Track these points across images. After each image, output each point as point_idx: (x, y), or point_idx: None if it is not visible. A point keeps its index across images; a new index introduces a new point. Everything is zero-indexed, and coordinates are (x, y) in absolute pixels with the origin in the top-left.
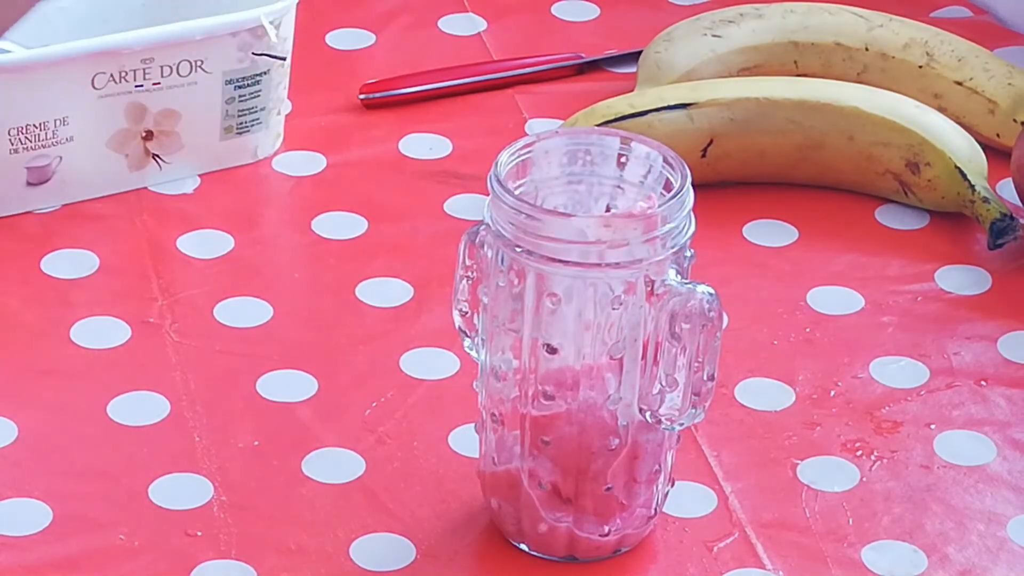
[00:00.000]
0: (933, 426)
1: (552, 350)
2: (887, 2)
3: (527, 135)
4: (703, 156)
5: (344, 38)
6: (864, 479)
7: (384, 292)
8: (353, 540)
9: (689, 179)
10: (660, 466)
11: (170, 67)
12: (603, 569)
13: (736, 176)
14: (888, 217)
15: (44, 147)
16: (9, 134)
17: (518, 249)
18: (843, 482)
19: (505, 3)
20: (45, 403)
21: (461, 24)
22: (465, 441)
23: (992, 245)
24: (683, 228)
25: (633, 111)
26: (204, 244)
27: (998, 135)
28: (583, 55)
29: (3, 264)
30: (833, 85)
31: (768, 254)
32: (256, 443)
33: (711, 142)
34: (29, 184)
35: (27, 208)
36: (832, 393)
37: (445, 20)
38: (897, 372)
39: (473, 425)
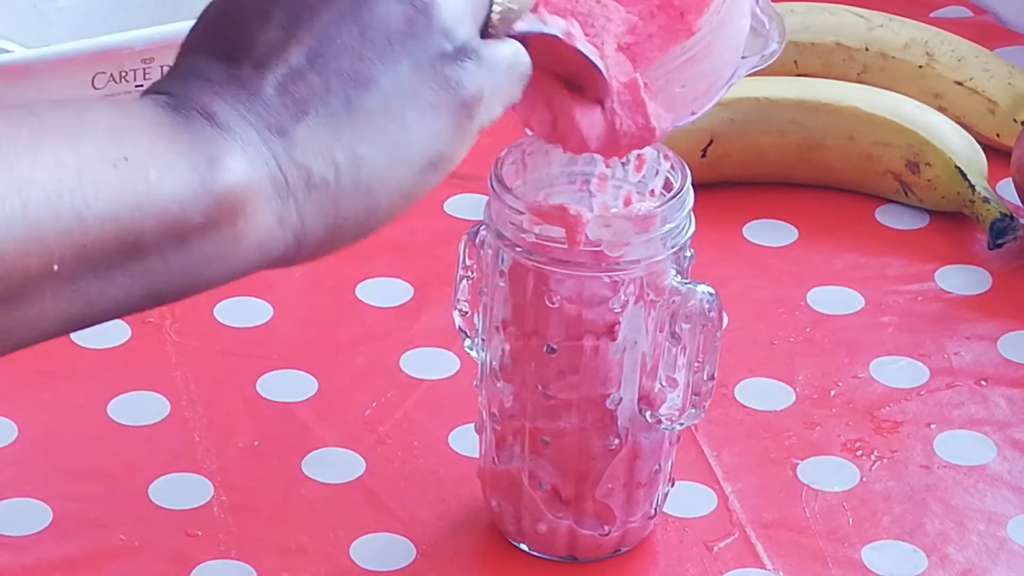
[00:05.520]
0: (933, 426)
1: (552, 350)
2: (887, 2)
3: (527, 135)
4: (703, 156)
5: None
6: (864, 479)
7: (384, 292)
8: (353, 540)
9: (689, 179)
10: (660, 466)
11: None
12: (603, 569)
13: (736, 176)
14: (888, 217)
15: None
16: None
17: (518, 249)
18: (843, 482)
19: None
20: (45, 403)
21: None
22: (465, 441)
23: (992, 245)
24: (683, 228)
25: None
26: None
27: (998, 135)
28: None
29: None
30: (833, 85)
31: (768, 254)
32: (256, 443)
33: (711, 142)
34: None
35: None
36: (832, 393)
37: None
38: (897, 372)
39: (473, 425)
